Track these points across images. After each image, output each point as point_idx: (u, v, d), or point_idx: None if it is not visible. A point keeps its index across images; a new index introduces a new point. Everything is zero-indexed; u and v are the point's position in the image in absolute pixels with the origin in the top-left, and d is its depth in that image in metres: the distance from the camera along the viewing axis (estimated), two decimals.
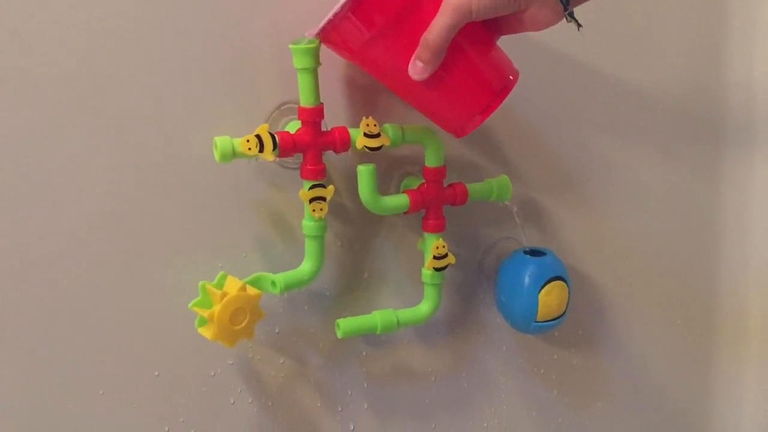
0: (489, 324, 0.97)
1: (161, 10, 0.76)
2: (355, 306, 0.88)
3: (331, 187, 0.79)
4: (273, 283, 0.79)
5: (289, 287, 0.80)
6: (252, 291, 0.76)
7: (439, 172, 0.84)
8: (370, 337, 0.90)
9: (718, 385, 1.13)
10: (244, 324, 0.76)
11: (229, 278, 0.76)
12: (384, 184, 0.88)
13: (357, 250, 0.88)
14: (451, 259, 0.87)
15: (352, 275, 0.88)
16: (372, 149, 0.79)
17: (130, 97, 0.76)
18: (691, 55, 1.04)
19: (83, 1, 0.73)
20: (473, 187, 0.87)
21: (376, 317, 0.85)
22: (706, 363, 1.13)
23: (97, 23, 0.73)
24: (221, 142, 0.74)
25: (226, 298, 0.74)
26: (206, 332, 0.75)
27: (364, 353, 0.90)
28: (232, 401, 0.85)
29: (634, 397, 1.08)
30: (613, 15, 0.97)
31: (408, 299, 0.90)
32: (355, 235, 0.88)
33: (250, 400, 0.85)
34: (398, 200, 0.83)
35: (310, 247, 0.81)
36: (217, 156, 0.74)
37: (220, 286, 0.76)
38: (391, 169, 0.88)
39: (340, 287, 0.88)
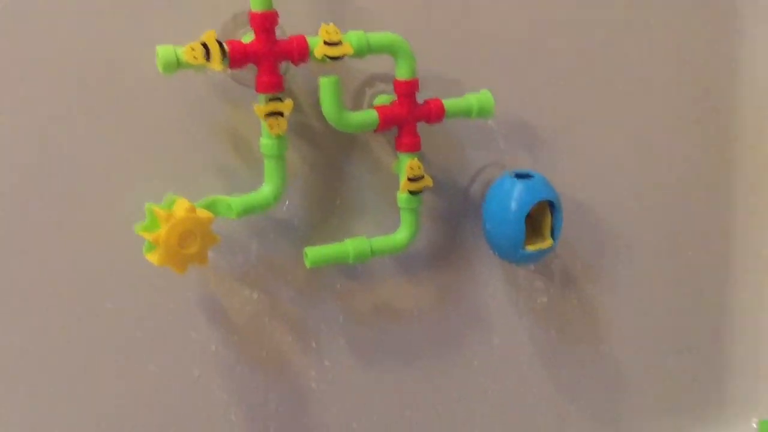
0: (478, 256, 0.90)
1: None
2: (327, 235, 0.82)
3: (289, 101, 0.73)
4: (229, 206, 0.73)
5: (246, 211, 0.74)
6: (203, 213, 0.70)
7: (411, 85, 0.77)
8: (345, 269, 0.84)
9: (735, 323, 1.05)
10: (194, 249, 0.70)
11: (179, 200, 0.71)
12: (356, 103, 0.81)
13: (328, 175, 0.82)
14: (427, 181, 0.80)
15: (323, 202, 0.82)
16: (333, 58, 0.73)
17: (76, 6, 0.70)
18: None
19: None
20: (451, 103, 0.80)
21: (348, 245, 0.79)
22: (721, 299, 1.04)
23: None
24: (164, 51, 0.68)
25: (172, 220, 0.69)
26: (153, 257, 0.70)
27: (338, 286, 0.84)
28: (193, 336, 0.79)
29: (640, 339, 1.01)
30: None
31: (385, 227, 0.83)
32: (326, 159, 0.81)
33: (212, 335, 0.80)
34: (365, 116, 0.76)
35: (269, 168, 0.75)
36: (159, 66, 0.68)
37: (168, 208, 0.70)
38: (363, 87, 0.81)
39: (310, 215, 0.82)
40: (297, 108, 0.79)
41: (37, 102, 0.70)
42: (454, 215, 0.88)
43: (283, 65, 0.74)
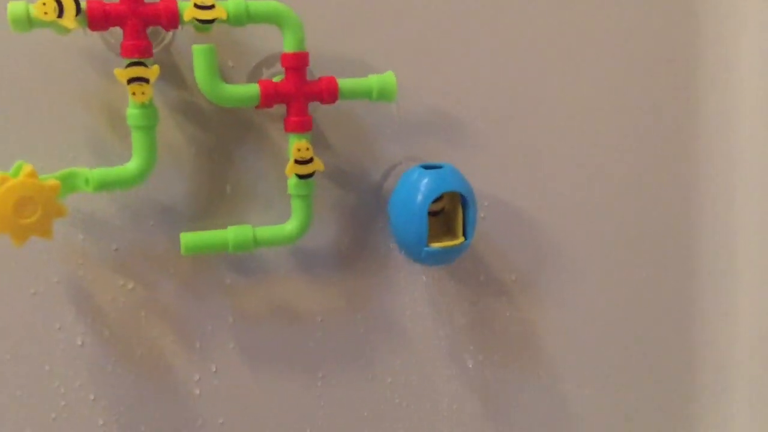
0: (393, 259, 0.82)
1: None
2: (216, 225, 0.76)
3: (155, 67, 0.67)
4: (86, 180, 0.67)
5: (106, 185, 0.68)
6: (48, 182, 0.64)
7: (299, 58, 0.71)
8: (236, 264, 0.77)
9: (697, 350, 0.94)
10: (34, 218, 0.64)
11: (25, 166, 0.65)
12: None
13: (217, 159, 0.75)
14: (318, 165, 0.73)
15: (211, 189, 0.76)
16: (203, 22, 0.67)
17: None
18: None
19: None
20: (347, 82, 0.73)
21: (229, 233, 0.72)
22: (681, 322, 0.93)
23: None
24: (14, 6, 0.63)
25: (8, 183, 0.63)
26: None
27: (228, 281, 0.77)
28: (57, 326, 0.73)
29: (581, 363, 0.91)
30: None
31: (281, 219, 0.76)
32: (215, 143, 0.75)
33: (81, 327, 0.73)
34: (245, 89, 0.70)
35: (136, 140, 0.69)
36: (10, 22, 0.64)
37: (15, 174, 0.65)
38: (259, 68, 0.75)
39: (196, 202, 0.75)
40: (184, 86, 0.73)
41: None
42: (367, 213, 0.81)
43: (169, 35, 0.69)
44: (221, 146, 0.75)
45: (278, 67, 0.75)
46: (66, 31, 0.65)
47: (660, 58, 0.87)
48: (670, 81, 0.88)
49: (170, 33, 0.71)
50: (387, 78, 0.74)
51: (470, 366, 0.86)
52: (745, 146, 0.89)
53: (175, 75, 0.72)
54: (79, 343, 0.73)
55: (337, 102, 0.72)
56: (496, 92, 0.82)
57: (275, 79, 0.73)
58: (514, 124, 0.83)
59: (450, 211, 0.78)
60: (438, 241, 0.76)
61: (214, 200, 0.76)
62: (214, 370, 0.78)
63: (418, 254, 0.75)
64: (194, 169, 0.75)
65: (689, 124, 0.89)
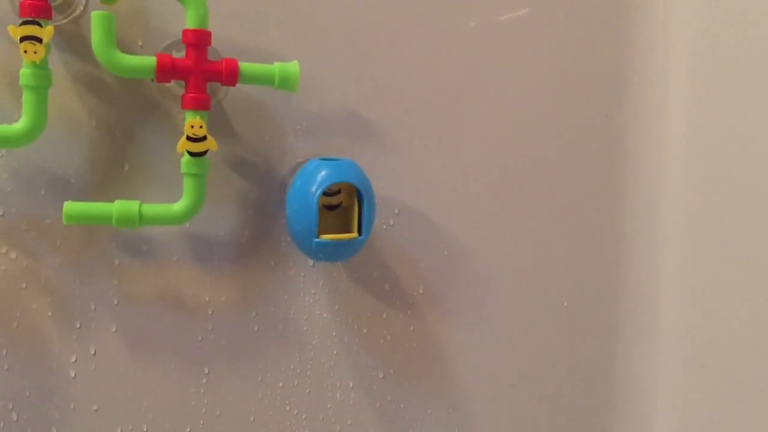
0: (294, 258, 0.80)
1: None
2: (109, 201, 0.74)
3: (50, 27, 0.67)
4: None
5: None
6: None
7: (199, 35, 0.71)
8: (128, 244, 0.75)
9: (616, 374, 0.90)
10: None
11: None
12: None
13: (117, 135, 0.75)
14: (210, 143, 0.72)
15: (109, 165, 0.75)
16: None
17: None
18: None
19: None
20: (249, 66, 0.73)
21: (114, 206, 0.71)
22: (600, 332, 0.90)
23: None
24: None
25: None
26: None
27: (117, 262, 0.75)
28: None
29: (490, 381, 0.87)
30: None
31: (176, 193, 0.75)
32: (117, 118, 0.75)
33: None
34: (140, 60, 0.70)
35: (27, 100, 0.69)
36: None
37: None
38: (169, 49, 0.75)
39: (92, 177, 0.74)
40: (90, 59, 0.73)
41: None
42: (269, 207, 0.79)
43: (80, 7, 0.70)
44: (123, 123, 0.75)
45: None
46: None
47: (580, 61, 0.87)
48: (589, 80, 0.87)
49: (81, 5, 0.71)
50: (290, 67, 0.74)
51: (369, 378, 0.82)
52: (671, 151, 0.88)
53: (82, 47, 0.73)
54: None
55: (244, 90, 0.72)
56: (411, 98, 0.82)
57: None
58: (428, 131, 0.82)
59: (349, 208, 0.76)
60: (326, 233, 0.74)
61: (110, 176, 0.75)
62: (92, 352, 0.75)
63: (308, 246, 0.73)
64: (93, 142, 0.74)
65: (610, 122, 0.88)
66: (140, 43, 0.74)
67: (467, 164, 0.84)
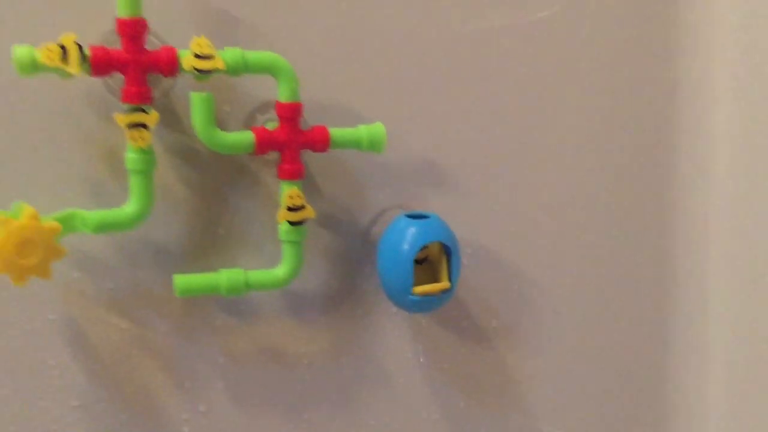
0: (378, 305, 0.84)
1: None
2: (208, 266, 0.78)
3: (154, 114, 0.70)
4: (84, 221, 0.70)
5: (103, 227, 0.70)
6: (48, 224, 0.67)
7: (293, 109, 0.74)
8: (228, 305, 0.79)
9: (671, 401, 0.96)
10: (34, 259, 0.66)
11: (26, 207, 0.67)
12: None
13: (211, 201, 0.78)
14: (309, 212, 0.75)
15: (205, 230, 0.78)
16: (202, 71, 0.70)
17: None
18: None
19: None
20: (338, 132, 0.76)
21: (221, 276, 0.75)
22: (651, 365, 0.95)
23: None
24: (20, 51, 0.66)
25: (10, 226, 0.65)
26: None
27: (219, 323, 0.79)
28: (52, 363, 0.74)
29: (560, 405, 0.92)
30: None
31: (273, 263, 0.78)
32: (210, 185, 0.78)
33: (74, 365, 0.75)
34: (241, 137, 0.73)
35: (134, 184, 0.71)
36: (16, 66, 0.66)
37: (15, 215, 0.67)
38: (254, 114, 0.78)
39: (190, 243, 0.78)
40: (181, 129, 0.76)
41: None
42: (354, 257, 0.83)
43: (168, 82, 0.72)
44: (216, 189, 0.78)
45: (272, 113, 0.78)
46: (69, 75, 0.68)
47: (639, 111, 0.91)
48: (649, 135, 0.91)
49: (170, 79, 0.73)
50: (376, 129, 0.77)
51: (451, 409, 0.88)
52: (719, 171, 0.92)
53: (173, 119, 0.75)
54: (73, 379, 0.75)
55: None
56: (479, 141, 0.85)
57: (268, 125, 0.76)
58: (496, 173, 0.86)
59: (434, 260, 0.80)
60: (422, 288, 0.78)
61: (207, 242, 0.78)
62: (202, 409, 0.79)
63: (403, 301, 0.77)
64: (189, 211, 0.77)
65: (665, 176, 0.93)
66: (227, 109, 0.77)
67: (532, 204, 0.88)
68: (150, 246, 0.76)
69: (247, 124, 0.78)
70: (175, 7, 0.73)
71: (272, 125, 0.76)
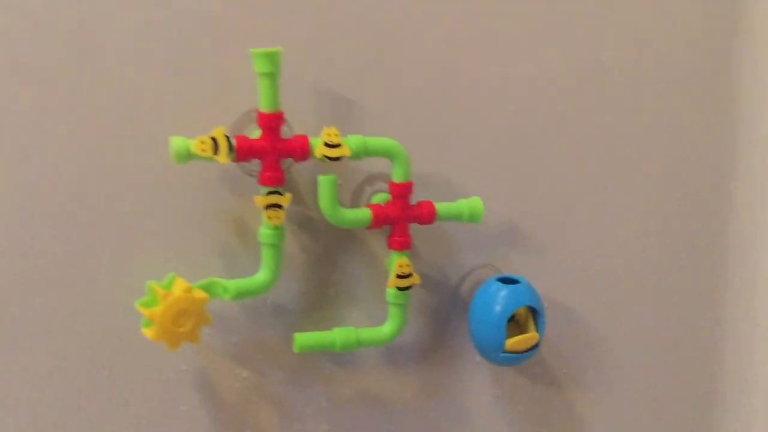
0: (463, 354, 0.94)
1: (129, 17, 0.77)
2: (320, 322, 0.87)
3: (288, 195, 0.78)
4: (225, 289, 0.79)
5: (241, 295, 0.79)
6: (198, 294, 0.76)
7: (405, 188, 0.83)
8: (334, 356, 0.88)
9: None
10: (188, 327, 0.75)
11: (178, 279, 0.76)
12: (355, 200, 0.87)
13: (324, 265, 0.87)
14: (415, 279, 0.85)
15: (318, 290, 0.87)
16: (331, 159, 0.79)
17: (99, 98, 0.77)
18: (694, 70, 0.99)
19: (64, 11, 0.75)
20: (442, 207, 0.85)
21: (336, 334, 0.84)
22: (707, 412, 1.06)
23: (82, 33, 0.75)
24: (176, 142, 0.75)
25: (169, 299, 0.74)
26: (149, 332, 0.75)
27: (326, 372, 0.89)
28: (184, 409, 0.84)
29: None
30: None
31: (375, 320, 0.88)
32: (323, 250, 0.87)
33: (202, 410, 0.84)
34: (360, 214, 0.82)
35: (266, 256, 0.80)
36: (172, 156, 0.75)
37: (168, 287, 0.76)
38: (363, 186, 0.87)
39: (304, 302, 0.87)
40: (299, 200, 0.84)
41: (62, 182, 0.77)
42: (443, 312, 0.92)
43: (287, 159, 0.80)
44: (327, 255, 0.87)
45: (378, 185, 0.87)
46: (215, 162, 0.76)
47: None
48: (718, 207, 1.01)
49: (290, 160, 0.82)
50: (475, 203, 0.86)
51: None
52: None
53: (292, 191, 0.83)
54: (201, 422, 0.84)
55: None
56: (551, 203, 0.94)
57: (377, 198, 0.85)
58: (570, 233, 0.95)
59: (520, 318, 0.90)
60: (511, 345, 0.87)
61: (318, 300, 0.87)
62: None
63: (495, 357, 0.87)
64: (304, 272, 0.86)
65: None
66: (340, 182, 0.86)
67: (605, 262, 0.97)
68: (269, 305, 0.85)
69: (356, 195, 0.87)
70: (295, 96, 0.81)
71: (380, 197, 0.85)
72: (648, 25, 0.94)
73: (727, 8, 0.96)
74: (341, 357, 0.89)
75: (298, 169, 0.83)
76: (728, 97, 0.99)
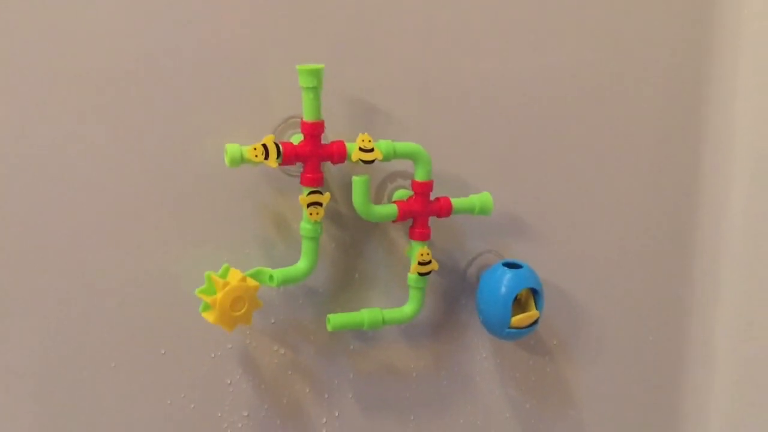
0: (469, 329, 1.05)
1: (187, 31, 0.86)
2: (346, 303, 0.98)
3: (327, 194, 0.89)
4: (271, 277, 0.89)
5: (285, 282, 0.89)
6: (251, 282, 0.86)
7: (427, 186, 0.93)
8: (358, 333, 0.99)
9: (686, 405, 1.21)
10: (243, 311, 0.85)
11: (232, 270, 0.86)
12: (378, 194, 0.97)
13: (350, 253, 0.97)
14: (434, 265, 0.96)
15: (345, 275, 0.98)
16: (366, 162, 0.89)
17: (156, 107, 0.86)
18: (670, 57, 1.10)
19: (107, 17, 0.83)
20: (457, 202, 0.96)
21: (364, 314, 0.95)
22: (674, 382, 1.20)
23: (125, 38, 0.84)
24: (231, 148, 0.84)
25: (227, 287, 0.84)
26: (209, 316, 0.85)
27: (351, 347, 1.00)
28: (228, 382, 0.94)
29: (604, 407, 1.16)
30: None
31: (394, 300, 0.99)
32: (349, 240, 0.97)
33: (244, 383, 0.95)
34: (388, 209, 0.92)
35: (306, 247, 0.90)
36: (227, 161, 0.84)
37: (223, 276, 0.86)
38: (385, 182, 0.97)
39: (333, 285, 0.97)
40: (331, 197, 0.94)
41: (127, 185, 0.86)
42: (453, 293, 1.04)
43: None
44: (355, 244, 0.97)
45: (399, 182, 0.98)
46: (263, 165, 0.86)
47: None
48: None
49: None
50: (486, 197, 0.98)
51: (520, 409, 1.11)
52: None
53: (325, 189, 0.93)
54: (243, 394, 0.95)
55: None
56: (551, 192, 1.06)
57: (396, 194, 0.96)
58: (566, 228, 1.08)
59: (521, 298, 1.02)
60: (515, 321, 0.99)
61: (346, 285, 0.98)
62: (336, 414, 1.00)
63: (501, 333, 0.99)
64: (334, 260, 0.97)
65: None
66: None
67: (587, 243, 1.10)
68: (303, 289, 0.96)
69: (380, 190, 0.97)
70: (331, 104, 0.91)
71: (401, 193, 0.96)
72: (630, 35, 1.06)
73: (699, 20, 1.08)
74: (365, 334, 1.00)
75: (329, 170, 0.93)
76: (698, 98, 1.11)
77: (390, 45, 0.94)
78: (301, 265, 0.91)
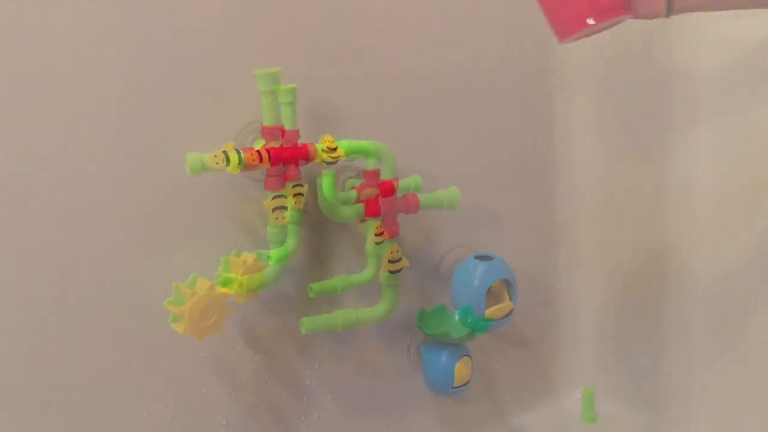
0: None
1: (146, 38, 0.85)
2: (321, 306, 0.97)
3: (291, 199, 0.88)
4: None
5: (253, 288, 0.88)
6: (220, 290, 0.85)
7: (391, 186, 0.93)
8: (334, 335, 0.99)
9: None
10: (212, 320, 0.84)
11: (200, 279, 0.85)
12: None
13: (322, 256, 0.97)
14: (405, 262, 0.96)
15: (318, 278, 0.97)
16: (330, 163, 0.88)
17: (119, 116, 0.84)
18: None
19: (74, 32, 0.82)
20: (425, 197, 0.96)
21: (338, 316, 0.94)
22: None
23: (88, 50, 0.82)
24: (191, 157, 0.83)
25: (195, 297, 0.83)
26: (178, 327, 0.84)
27: (328, 349, 0.99)
28: (204, 391, 0.93)
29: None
30: None
31: (370, 300, 0.98)
32: (321, 243, 0.97)
33: (221, 391, 0.94)
34: (354, 209, 0.92)
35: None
36: (187, 169, 0.83)
37: (191, 286, 0.85)
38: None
39: (304, 289, 0.96)
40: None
41: (85, 195, 0.84)
42: (427, 288, 1.04)
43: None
44: (326, 246, 0.97)
45: (364, 180, 0.97)
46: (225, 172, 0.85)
47: None
48: None
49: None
50: (453, 192, 0.98)
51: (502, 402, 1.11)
52: None
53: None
54: (221, 403, 0.94)
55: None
56: (506, 183, 1.06)
57: (348, 183, 0.95)
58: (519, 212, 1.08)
59: (495, 290, 1.02)
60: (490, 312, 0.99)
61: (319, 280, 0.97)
62: (317, 417, 1.00)
63: (476, 326, 0.99)
64: (306, 264, 0.96)
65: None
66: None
67: (547, 229, 1.10)
68: (276, 294, 0.95)
69: (343, 188, 0.97)
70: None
71: (353, 182, 0.95)
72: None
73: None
74: (341, 336, 0.99)
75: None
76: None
77: (349, 52, 0.95)
78: (271, 270, 0.90)
